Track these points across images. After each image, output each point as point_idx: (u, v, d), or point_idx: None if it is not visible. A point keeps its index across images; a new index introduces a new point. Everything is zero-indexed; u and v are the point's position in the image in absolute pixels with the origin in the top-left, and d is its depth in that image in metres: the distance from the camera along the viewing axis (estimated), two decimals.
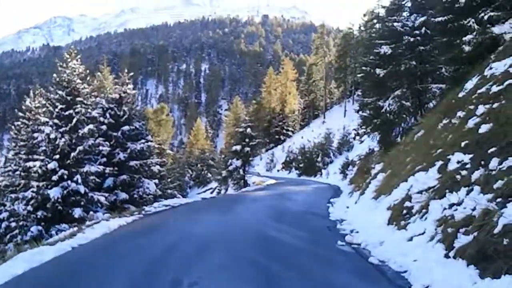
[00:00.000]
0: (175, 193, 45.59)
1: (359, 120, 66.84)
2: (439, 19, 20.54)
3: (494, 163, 7.40)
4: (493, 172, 7.26)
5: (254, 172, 37.56)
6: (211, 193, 54.41)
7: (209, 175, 69.08)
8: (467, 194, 7.48)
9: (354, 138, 56.59)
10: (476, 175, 7.75)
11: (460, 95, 13.84)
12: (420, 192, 9.80)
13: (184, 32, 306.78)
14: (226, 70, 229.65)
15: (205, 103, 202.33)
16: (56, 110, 22.81)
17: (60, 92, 22.98)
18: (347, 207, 16.42)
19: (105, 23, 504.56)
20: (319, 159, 51.48)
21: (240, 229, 12.18)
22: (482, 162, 7.87)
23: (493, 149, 7.81)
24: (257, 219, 14.07)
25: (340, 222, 13.01)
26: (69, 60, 23.84)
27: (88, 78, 24.77)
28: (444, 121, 13.29)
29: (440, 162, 9.94)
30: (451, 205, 7.72)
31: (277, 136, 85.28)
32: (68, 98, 22.99)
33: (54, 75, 23.66)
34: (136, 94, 30.10)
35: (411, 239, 8.36)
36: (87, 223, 13.80)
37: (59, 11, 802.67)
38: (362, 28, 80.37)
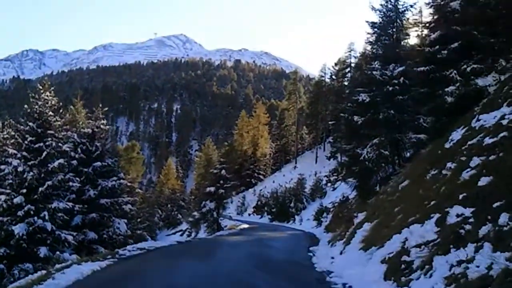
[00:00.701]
0: (144, 234, 44.35)
1: (331, 167, 68.87)
2: (421, 68, 20.65)
3: (504, 218, 6.93)
4: (505, 228, 6.80)
5: (226, 215, 36.65)
6: (181, 235, 53.26)
7: (180, 216, 67.87)
8: (476, 251, 6.97)
9: (326, 185, 56.66)
10: (483, 230, 7.25)
11: (447, 146, 13.73)
12: (419, 246, 9.27)
13: (157, 72, 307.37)
14: (197, 111, 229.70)
15: (175, 143, 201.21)
16: (26, 142, 21.79)
17: (30, 123, 22.00)
18: (332, 258, 15.74)
19: (77, 59, 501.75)
20: (292, 204, 50.96)
21: (227, 281, 11.29)
22: (489, 217, 7.40)
23: (498, 203, 7.40)
24: (242, 269, 13.29)
25: (327, 274, 12.39)
26: (41, 91, 22.97)
27: (60, 110, 23.85)
28: (433, 172, 13.08)
29: (437, 215, 9.49)
30: (459, 262, 7.17)
31: (248, 179, 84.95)
32: (39, 130, 22.02)
33: (26, 106, 22.71)
34: (109, 129, 29.17)
35: None
36: (57, 266, 12.58)
37: (31, 44, 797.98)
38: (334, 77, 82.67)
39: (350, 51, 76.54)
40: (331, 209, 39.10)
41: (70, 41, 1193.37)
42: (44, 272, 11.82)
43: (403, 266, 9.32)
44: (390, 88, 21.76)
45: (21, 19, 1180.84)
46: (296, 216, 48.04)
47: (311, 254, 18.26)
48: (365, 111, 22.93)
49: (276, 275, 12.19)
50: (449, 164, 11.60)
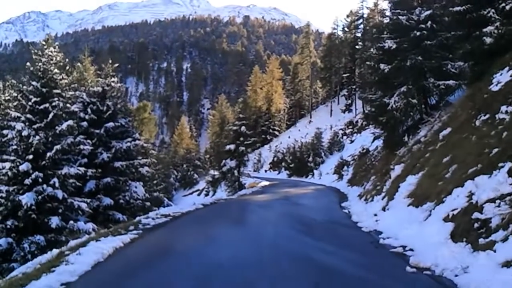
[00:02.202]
0: (161, 196, 43.15)
1: (346, 120, 67.59)
2: (457, 8, 18.73)
3: None
4: None
5: (245, 173, 35.15)
6: (198, 195, 52.27)
7: (196, 176, 66.84)
8: None
9: (342, 138, 55.69)
10: None
11: (495, 88, 12.40)
12: (493, 200, 7.77)
13: (165, 30, 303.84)
14: (208, 69, 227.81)
15: (187, 102, 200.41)
16: (30, 103, 19.67)
17: (34, 83, 19.80)
18: (375, 215, 14.22)
19: (82, 19, 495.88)
20: (310, 159, 49.91)
21: (275, 252, 9.42)
22: None
23: None
24: (285, 234, 11.74)
25: (377, 234, 11.23)
26: (45, 47, 20.83)
27: (67, 67, 21.72)
28: (483, 117, 11.72)
29: (509, 164, 8.12)
30: None
31: (263, 136, 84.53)
32: (44, 90, 19.88)
33: (28, 64, 20.56)
34: (121, 87, 27.07)
35: (509, 264, 6.10)
36: (71, 243, 10.39)
37: (33, 6, 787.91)
38: (346, 29, 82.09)
39: (362, 2, 74.78)
40: (351, 162, 38.56)
41: (74, 1, 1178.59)
42: (55, 253, 9.48)
43: (476, 224, 7.86)
44: (417, 33, 20.26)
45: None
46: (315, 171, 47.52)
47: (346, 211, 17.30)
48: (391, 58, 21.44)
49: (324, 240, 10.72)
50: (504, 108, 10.40)
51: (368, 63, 26.95)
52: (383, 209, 14.66)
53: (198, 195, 53.74)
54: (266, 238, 11.03)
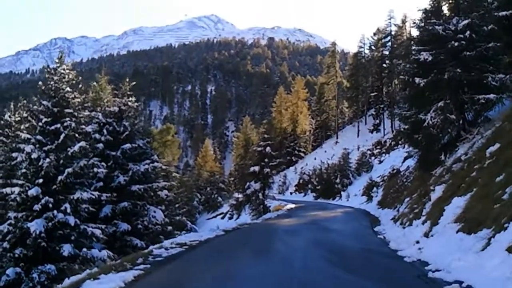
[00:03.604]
0: (184, 219, 41.87)
1: (374, 140, 65.96)
2: (503, 13, 17.29)
3: None
4: None
5: (270, 196, 33.74)
6: (222, 218, 51.05)
7: (220, 198, 65.65)
8: None
9: (370, 158, 54.26)
10: None
11: None
12: None
13: (189, 53, 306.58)
14: (232, 91, 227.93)
15: (211, 125, 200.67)
16: (40, 124, 18.59)
17: (45, 102, 18.75)
18: (417, 242, 12.54)
19: (107, 45, 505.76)
20: (337, 180, 48.50)
21: None
22: None
23: None
24: (316, 267, 10.19)
25: (422, 266, 9.63)
26: (57, 65, 19.78)
27: (80, 86, 20.53)
28: None
29: None
30: None
31: (288, 157, 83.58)
32: (55, 109, 18.75)
33: (40, 83, 19.53)
34: (139, 107, 25.86)
35: None
36: (65, 282, 8.84)
37: (59, 32, 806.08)
38: (373, 47, 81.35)
39: (390, 19, 74.05)
40: (381, 183, 37.10)
41: (99, 27, 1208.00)
42: None
43: None
44: (455, 44, 18.79)
45: (48, 7, 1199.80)
46: (342, 193, 46.21)
47: (381, 236, 15.91)
48: (427, 71, 20.00)
49: (361, 274, 9.19)
50: None
51: (401, 77, 25.52)
52: (426, 235, 12.97)
53: (222, 218, 52.63)
54: (294, 273, 9.46)
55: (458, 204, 12.47)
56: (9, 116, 26.50)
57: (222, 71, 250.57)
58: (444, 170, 17.92)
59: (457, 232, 10.96)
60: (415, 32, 24.59)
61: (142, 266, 10.33)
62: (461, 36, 18.82)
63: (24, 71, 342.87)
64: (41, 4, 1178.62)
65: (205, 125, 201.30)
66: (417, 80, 20.02)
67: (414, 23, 23.30)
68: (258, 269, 10.05)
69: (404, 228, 16.45)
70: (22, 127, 23.01)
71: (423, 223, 14.37)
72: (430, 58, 19.43)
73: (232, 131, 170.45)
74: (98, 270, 10.24)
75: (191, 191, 65.32)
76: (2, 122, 26.62)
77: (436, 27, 20.28)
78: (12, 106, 27.15)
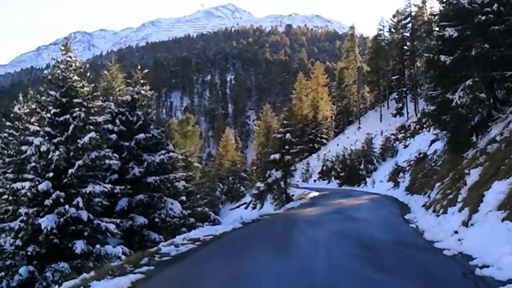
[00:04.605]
0: (206, 210, 41.17)
1: (397, 125, 64.35)
2: None
3: None
4: None
5: (293, 184, 32.66)
6: (246, 208, 50.22)
7: (242, 188, 64.81)
8: None
9: (395, 143, 52.72)
10: None
11: None
12: None
13: (207, 43, 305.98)
14: (252, 80, 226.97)
15: (232, 114, 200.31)
16: (49, 115, 17.77)
17: (52, 92, 17.92)
18: (456, 233, 11.30)
19: (126, 37, 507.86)
20: (361, 166, 47.13)
21: None
22: None
23: None
24: (342, 266, 9.01)
25: (466, 259, 8.66)
26: (63, 53, 18.89)
27: (88, 74, 19.61)
28: None
29: None
30: None
31: (310, 144, 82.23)
32: (63, 99, 17.91)
33: (45, 71, 18.71)
34: (153, 95, 24.83)
35: None
36: None
37: (79, 26, 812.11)
38: (393, 30, 78.74)
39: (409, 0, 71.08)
40: (408, 168, 35.49)
41: (118, 20, 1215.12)
42: None
43: None
44: (482, 18, 17.47)
45: (67, 2, 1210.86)
46: (367, 179, 44.54)
47: (413, 225, 14.70)
48: (453, 48, 18.78)
49: (397, 272, 8.08)
50: None
51: (426, 55, 24.14)
52: (465, 224, 11.72)
53: (246, 208, 51.64)
54: (316, 274, 8.34)
55: (500, 189, 11.24)
56: (18, 108, 25.77)
57: (241, 60, 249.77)
58: (477, 152, 16.66)
59: (502, 220, 9.79)
60: (437, 7, 23.19)
61: (144, 269, 9.38)
62: (488, 9, 17.37)
63: (45, 65, 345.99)
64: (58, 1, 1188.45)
65: (226, 114, 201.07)
66: (442, 57, 18.80)
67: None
68: (274, 270, 8.97)
69: (438, 216, 15.08)
70: (33, 119, 22.23)
71: (460, 211, 13.11)
72: (455, 34, 18.21)
73: (253, 120, 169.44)
74: (93, 275, 9.26)
75: (213, 182, 64.67)
76: (12, 115, 25.92)
77: (461, 0, 19.14)
78: (21, 98, 26.41)
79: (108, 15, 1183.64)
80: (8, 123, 25.88)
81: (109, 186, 18.31)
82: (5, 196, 21.59)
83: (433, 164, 27.71)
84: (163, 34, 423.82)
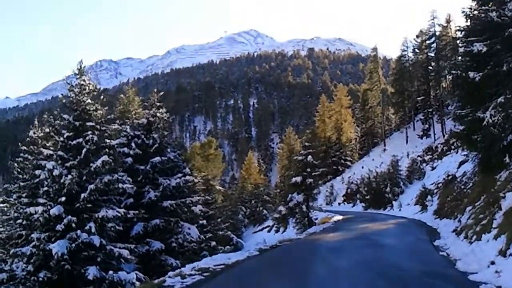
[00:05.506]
0: (228, 234, 40.55)
1: (424, 146, 63.05)
2: None
3: None
4: None
5: (316, 207, 31.84)
6: (269, 231, 49.61)
7: (265, 211, 64.07)
8: None
9: (422, 165, 51.47)
10: None
11: None
12: None
13: (230, 68, 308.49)
14: (275, 103, 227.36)
15: (255, 138, 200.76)
16: (62, 139, 17.45)
17: (66, 116, 17.65)
18: (493, 263, 10.36)
19: (152, 65, 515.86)
20: (387, 189, 45.96)
21: None
22: None
23: None
24: None
25: None
26: (77, 76, 18.64)
27: (102, 97, 19.26)
28: None
29: None
30: None
31: (334, 167, 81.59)
32: (77, 123, 17.61)
33: (60, 95, 18.45)
34: (169, 118, 24.41)
35: None
36: None
37: (105, 54, 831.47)
38: (417, 50, 77.74)
39: (433, 19, 70.57)
40: (436, 191, 34.31)
41: (144, 48, 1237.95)
42: None
43: None
44: None
45: (94, 29, 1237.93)
46: (393, 202, 43.34)
47: (444, 253, 13.69)
48: (482, 64, 18.29)
49: None
50: None
51: (453, 72, 23.34)
52: (503, 253, 10.71)
53: (269, 231, 51.00)
54: None
55: None
56: (34, 133, 25.69)
57: (263, 84, 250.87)
58: (511, 173, 15.76)
59: None
60: (462, 25, 22.39)
61: None
62: None
63: None
64: (85, 30, 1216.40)
65: (249, 138, 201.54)
66: (471, 74, 18.22)
67: (463, 11, 21.07)
68: None
69: (471, 243, 13.99)
70: (49, 143, 21.95)
71: (495, 238, 12.07)
72: (484, 49, 17.73)
73: (277, 143, 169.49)
74: None
75: (236, 205, 64.11)
76: (28, 139, 25.86)
77: (490, 13, 18.38)
78: (36, 122, 26.34)
79: (134, 44, 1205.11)
80: (23, 148, 25.80)
81: (122, 210, 17.79)
82: (19, 221, 21.34)
83: (462, 186, 26.58)
84: (187, 61, 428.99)
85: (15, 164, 26.32)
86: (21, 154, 25.86)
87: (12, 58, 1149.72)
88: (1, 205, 28.21)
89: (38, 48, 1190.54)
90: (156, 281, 11.45)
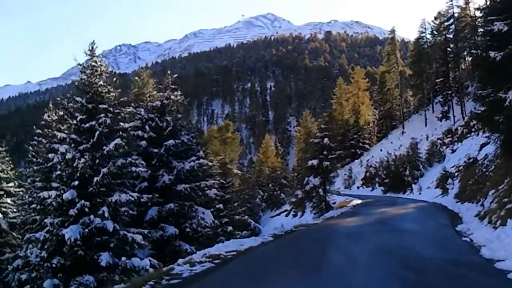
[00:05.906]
0: (245, 218, 40.36)
1: (443, 129, 62.02)
2: None
3: None
4: None
5: (334, 191, 31.35)
6: (286, 215, 49.39)
7: (283, 195, 63.75)
8: None
9: (441, 148, 50.60)
10: None
11: None
12: None
13: (247, 52, 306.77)
14: (292, 86, 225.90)
15: (273, 121, 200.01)
16: (75, 122, 17.18)
17: (78, 98, 17.36)
18: None
19: (169, 49, 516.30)
20: (407, 172, 45.24)
21: None
22: None
23: None
24: None
25: None
26: (89, 57, 18.25)
27: (115, 80, 18.89)
28: None
29: None
30: None
31: (352, 150, 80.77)
32: (89, 106, 17.33)
33: (72, 77, 18.13)
34: (183, 101, 23.88)
35: None
36: None
37: (124, 39, 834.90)
38: (435, 32, 76.48)
39: (451, 1, 68.58)
40: (456, 174, 33.67)
41: (162, 32, 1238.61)
42: None
43: None
44: None
45: (112, 14, 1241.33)
46: (413, 185, 42.71)
47: (467, 239, 13.20)
48: (503, 43, 17.69)
49: None
50: None
51: (473, 51, 22.67)
52: None
53: (286, 215, 50.83)
54: None
55: None
56: (48, 116, 25.48)
57: (280, 67, 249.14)
58: None
59: None
60: (482, 2, 21.81)
61: None
62: None
63: None
64: (105, 14, 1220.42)
65: (266, 121, 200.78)
66: (492, 53, 17.60)
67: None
68: None
69: (495, 228, 13.50)
70: (64, 127, 21.66)
71: None
72: (505, 28, 17.27)
73: (294, 126, 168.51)
74: None
75: (253, 189, 63.88)
76: (42, 122, 25.68)
77: None
78: (51, 105, 26.14)
79: (152, 28, 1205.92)
80: (38, 131, 25.69)
81: (135, 194, 17.49)
82: (34, 205, 21.22)
83: (484, 169, 25.95)
84: (205, 45, 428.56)
85: (30, 148, 26.22)
86: (35, 138, 25.74)
87: (32, 42, 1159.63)
88: (17, 189, 28.27)
89: (57, 32, 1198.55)
90: (164, 268, 11.10)
